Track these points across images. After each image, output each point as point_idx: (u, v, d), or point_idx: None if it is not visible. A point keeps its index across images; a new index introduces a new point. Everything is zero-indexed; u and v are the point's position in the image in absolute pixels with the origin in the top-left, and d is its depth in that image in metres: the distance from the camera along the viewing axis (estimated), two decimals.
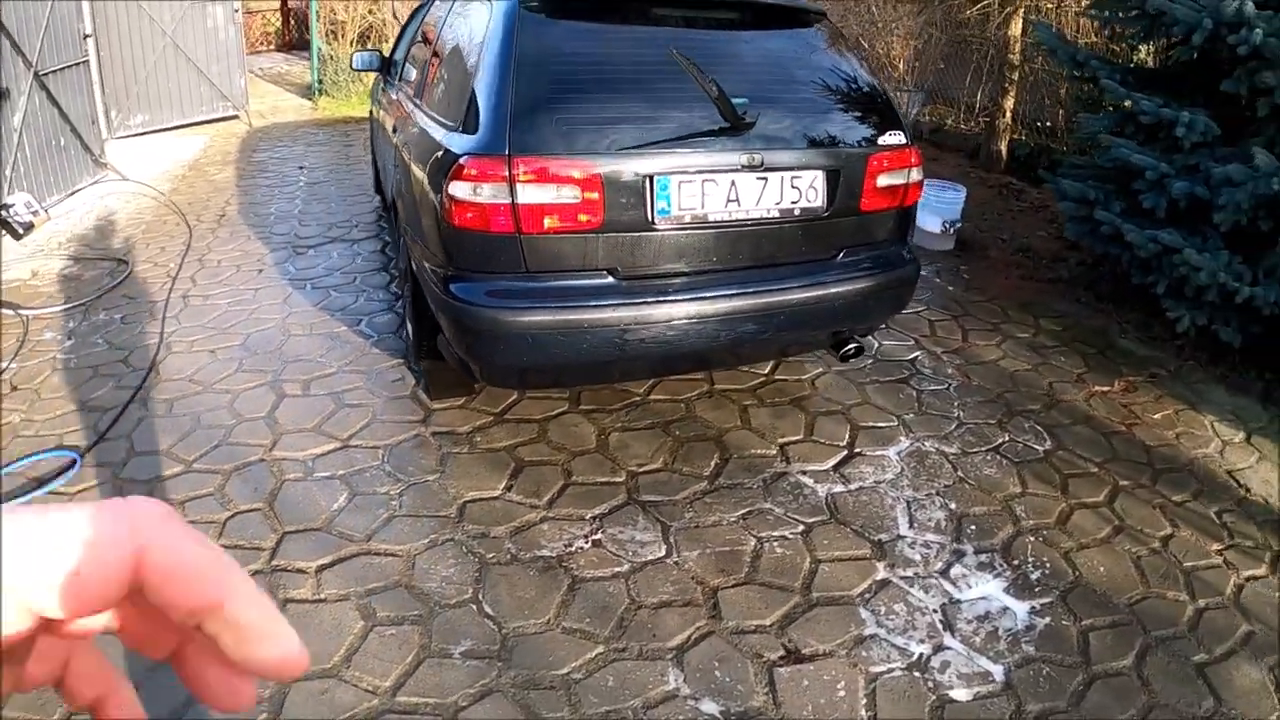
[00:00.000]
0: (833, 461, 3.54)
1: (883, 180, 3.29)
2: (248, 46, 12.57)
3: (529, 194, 2.76)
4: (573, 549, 2.89)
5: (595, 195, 2.82)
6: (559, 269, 2.91)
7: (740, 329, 3.15)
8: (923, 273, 5.47)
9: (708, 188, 2.95)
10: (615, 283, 2.94)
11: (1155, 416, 3.99)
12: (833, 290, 3.26)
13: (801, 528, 3.11)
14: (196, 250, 5.75)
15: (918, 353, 4.48)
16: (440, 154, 3.03)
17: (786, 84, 3.27)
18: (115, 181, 7.46)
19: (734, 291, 3.06)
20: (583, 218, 2.84)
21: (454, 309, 2.90)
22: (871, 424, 3.81)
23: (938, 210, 5.88)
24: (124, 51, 8.87)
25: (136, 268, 5.40)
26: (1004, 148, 7.49)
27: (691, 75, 2.86)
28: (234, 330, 4.48)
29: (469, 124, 2.91)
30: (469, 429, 3.58)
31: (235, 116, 10.13)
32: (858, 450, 3.62)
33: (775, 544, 3.01)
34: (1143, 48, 5.84)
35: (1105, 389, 4.19)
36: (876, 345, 4.53)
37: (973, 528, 3.16)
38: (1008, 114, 7.38)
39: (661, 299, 2.95)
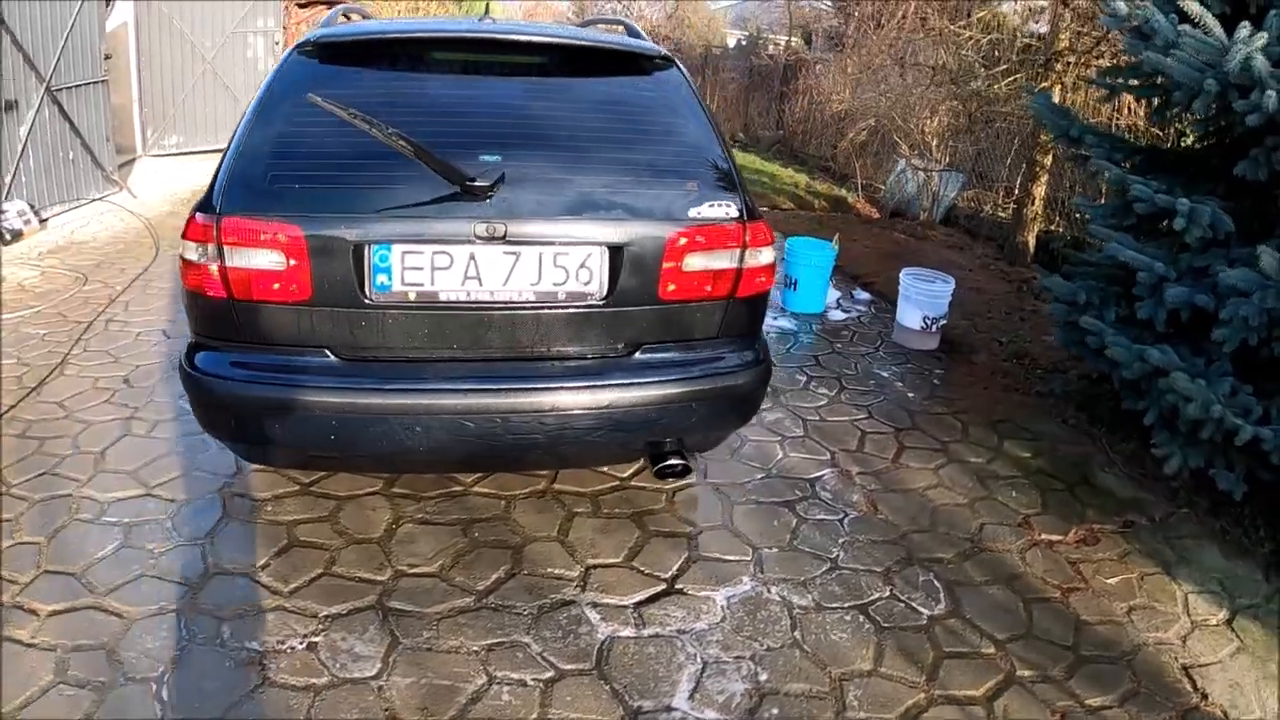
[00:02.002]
0: (639, 597, 2.78)
1: (694, 263, 2.61)
2: None
3: (235, 258, 2.43)
4: (284, 647, 2.50)
5: (298, 263, 2.42)
6: (276, 342, 2.54)
7: (492, 432, 2.55)
8: (882, 373, 4.73)
9: (439, 261, 2.46)
10: (336, 363, 2.53)
11: (1109, 581, 3.04)
12: (621, 396, 2.58)
13: (550, 674, 2.44)
14: (150, 276, 5.83)
15: (826, 471, 3.63)
16: None
17: (579, 140, 2.64)
18: (113, 198, 7.64)
19: (477, 387, 2.52)
20: (290, 288, 2.45)
21: (184, 376, 2.60)
22: (716, 555, 3.01)
23: (919, 304, 5.04)
24: (164, 74, 9.27)
25: (86, 286, 5.50)
26: (1031, 239, 6.58)
27: (364, 127, 2.29)
28: (127, 361, 4.40)
29: (214, 177, 2.59)
30: (267, 496, 3.23)
31: None
32: (679, 587, 2.83)
33: (506, 689, 2.38)
34: (1191, 131, 4.92)
35: (1055, 538, 3.26)
36: (780, 456, 3.72)
37: (773, 712, 2.32)
38: (1037, 201, 6.47)
39: (383, 388, 2.50)
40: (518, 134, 2.59)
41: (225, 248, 2.41)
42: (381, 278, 2.44)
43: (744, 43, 15.53)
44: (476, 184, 2.38)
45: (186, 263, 2.49)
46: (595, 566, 2.92)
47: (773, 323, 5.47)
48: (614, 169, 2.58)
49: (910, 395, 4.47)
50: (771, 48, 14.03)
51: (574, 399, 2.55)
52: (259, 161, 2.48)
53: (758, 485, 3.49)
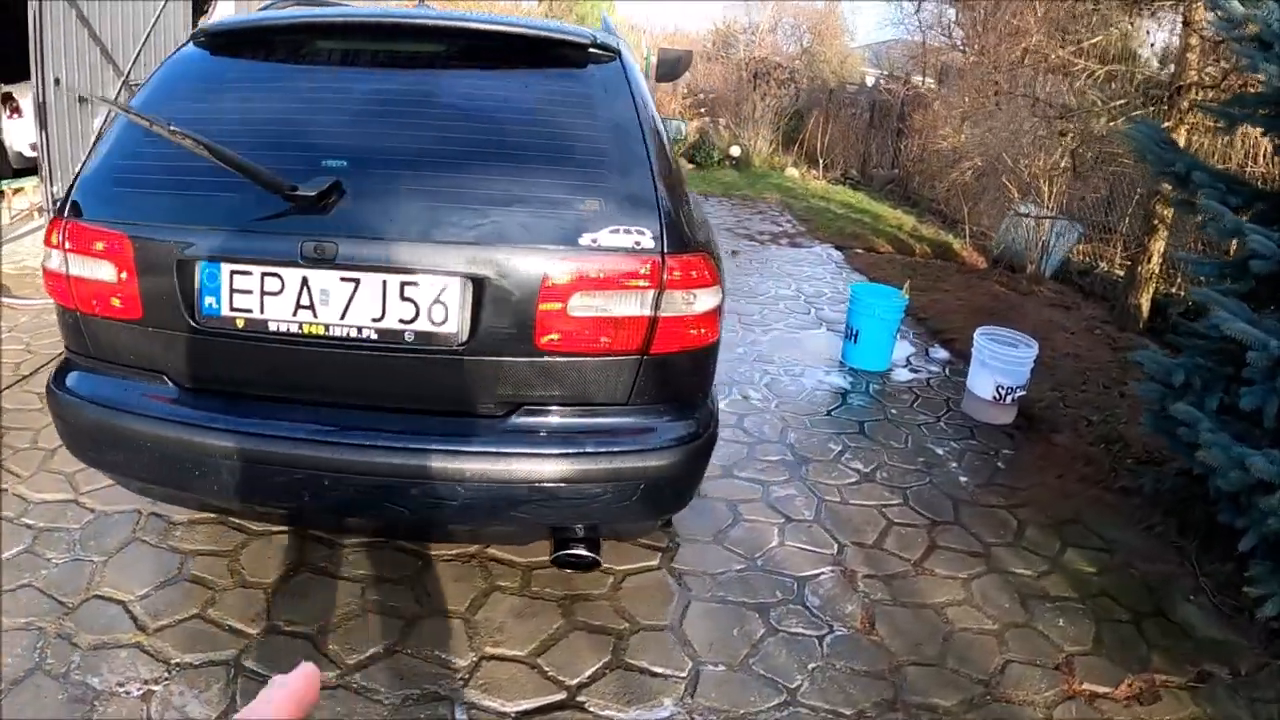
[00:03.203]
0: (525, 706, 2.29)
1: (583, 305, 2.04)
2: None
3: (76, 266, 2.16)
4: (120, 690, 2.25)
5: (129, 276, 2.11)
6: (119, 363, 2.24)
7: (332, 491, 2.10)
8: (936, 449, 4.01)
9: (269, 284, 2.04)
10: (174, 392, 2.20)
11: None
12: (489, 468, 2.06)
13: None
14: None
15: (825, 569, 2.98)
16: None
17: (454, 144, 2.12)
18: None
19: (313, 438, 2.07)
20: (116, 303, 2.15)
21: (46, 390, 2.35)
22: (643, 665, 2.45)
23: (993, 370, 4.28)
24: None
25: None
26: (1145, 301, 5.64)
27: (143, 123, 1.92)
28: None
29: None
30: (183, 519, 2.97)
31: None
32: (581, 700, 2.31)
33: None
34: None
35: (1101, 690, 2.52)
36: (773, 543, 3.09)
37: None
38: (1154, 258, 5.54)
39: (211, 425, 2.11)
40: (380, 136, 2.12)
41: (68, 255, 2.15)
42: (209, 299, 2.06)
43: (879, 81, 14.85)
44: (300, 193, 1.94)
45: (44, 269, 2.26)
46: (492, 658, 2.43)
47: (823, 378, 4.81)
48: (491, 180, 2.05)
49: (963, 480, 3.73)
50: (890, 82, 13.29)
51: (429, 464, 2.03)
52: (110, 161, 2.21)
53: (732, 579, 2.88)
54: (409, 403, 2.14)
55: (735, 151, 13.45)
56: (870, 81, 15.42)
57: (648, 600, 2.74)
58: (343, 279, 2.00)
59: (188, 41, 2.43)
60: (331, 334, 2.03)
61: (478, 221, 2.01)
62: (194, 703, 2.21)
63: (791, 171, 13.16)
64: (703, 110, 15.22)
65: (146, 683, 2.27)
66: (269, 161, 1.97)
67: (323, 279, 2.01)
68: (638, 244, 2.03)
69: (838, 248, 8.32)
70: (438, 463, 2.02)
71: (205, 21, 8.01)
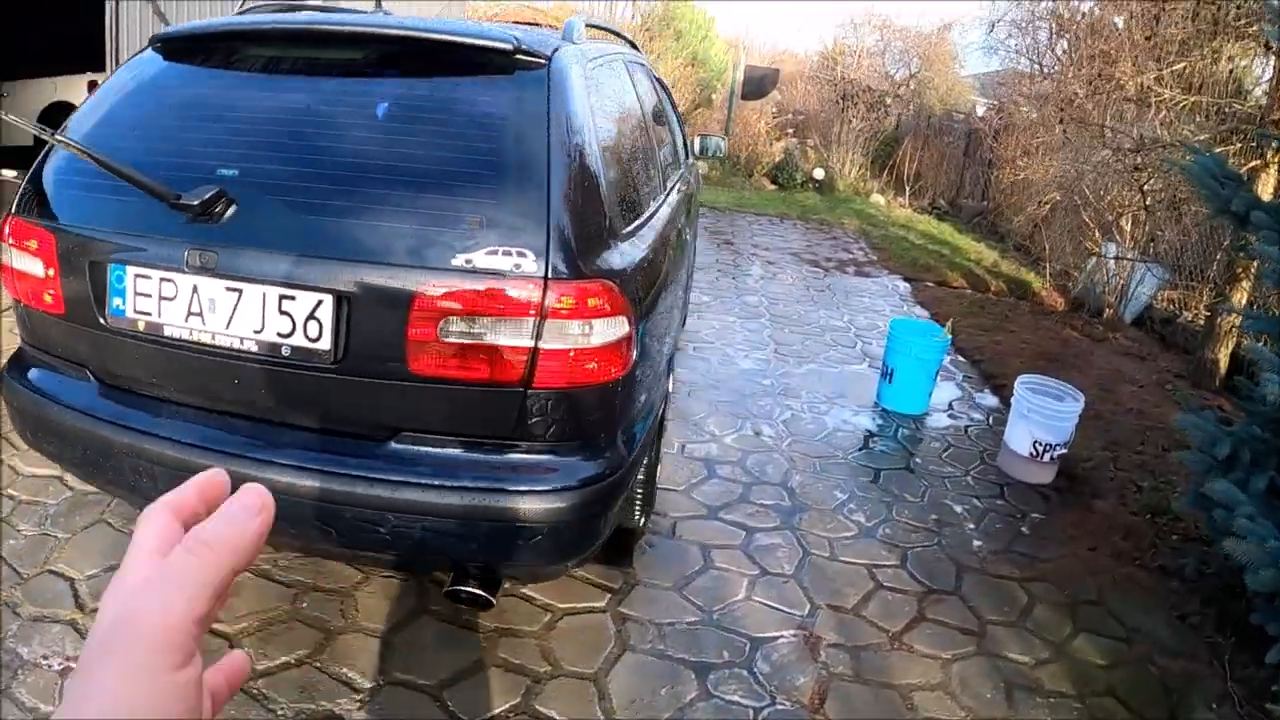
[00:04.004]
0: None
1: (456, 329, 1.89)
2: None
3: (16, 260, 2.24)
4: (42, 664, 2.29)
5: (54, 273, 2.16)
6: (53, 355, 2.31)
7: None
8: (955, 507, 3.63)
9: (166, 289, 2.05)
10: (94, 388, 2.23)
11: None
12: (364, 493, 1.93)
13: None
14: None
15: (786, 632, 2.69)
16: None
17: (343, 154, 2.05)
18: None
19: (202, 444, 2.05)
20: (47, 298, 2.20)
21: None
22: (553, 715, 2.20)
23: (1032, 424, 3.88)
24: None
25: None
26: (1224, 356, 5.07)
27: (30, 130, 1.93)
28: None
29: None
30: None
31: None
32: None
33: None
34: None
35: None
36: (738, 596, 2.81)
37: None
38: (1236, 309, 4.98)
39: (118, 422, 2.13)
40: (273, 146, 2.09)
41: (11, 249, 2.25)
42: (116, 300, 2.08)
43: (986, 110, 14.26)
44: (183, 202, 1.91)
45: None
46: (398, 683, 2.30)
47: (849, 418, 4.47)
48: (372, 194, 1.96)
49: (976, 544, 3.36)
50: (983, 110, 12.68)
51: (303, 483, 1.93)
52: (54, 162, 2.26)
53: (679, 632, 2.62)
54: (290, 418, 2.05)
55: (819, 174, 13.06)
56: (980, 111, 14.85)
57: (579, 644, 2.51)
58: (228, 289, 1.97)
59: (147, 45, 2.41)
60: (218, 343, 2.01)
61: (352, 237, 1.93)
62: None
63: (877, 198, 12.69)
64: (791, 131, 14.87)
65: (69, 659, 2.31)
66: (174, 169, 2.00)
67: (210, 287, 1.98)
68: (517, 267, 1.86)
69: (907, 279, 7.90)
70: (311, 482, 1.93)
71: None
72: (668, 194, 3.20)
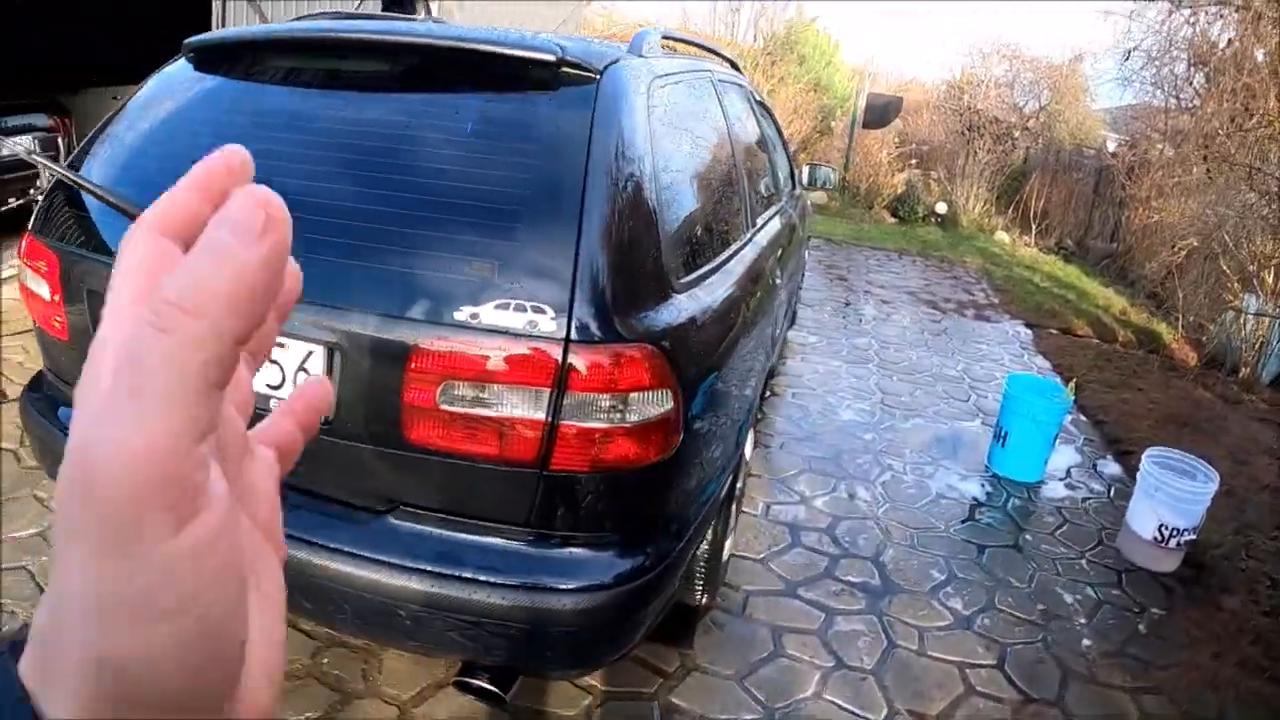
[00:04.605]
0: None
1: (463, 396, 1.67)
2: None
3: (29, 280, 2.15)
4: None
5: (58, 298, 2.08)
6: (63, 380, 2.24)
7: None
8: (1066, 596, 3.28)
9: None
10: None
11: None
12: (353, 573, 1.74)
13: None
14: None
15: None
16: None
17: (354, 181, 1.83)
18: None
19: None
20: (55, 323, 2.12)
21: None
22: None
23: (1158, 504, 3.49)
24: None
25: None
26: None
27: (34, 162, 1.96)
28: None
29: None
30: None
31: None
32: None
33: None
34: None
35: None
36: (805, 694, 2.58)
37: None
38: None
39: None
40: (274, 169, 1.85)
41: (25, 267, 2.16)
42: None
43: (1117, 146, 13.44)
44: None
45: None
46: None
47: (956, 483, 4.15)
48: (373, 230, 1.75)
49: (1086, 643, 3.02)
50: (1114, 146, 11.89)
51: (303, 557, 1.75)
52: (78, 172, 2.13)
53: None
54: (295, 478, 1.86)
55: (941, 208, 12.56)
56: (1111, 147, 14.03)
57: None
58: None
59: (179, 54, 2.29)
60: None
61: (347, 280, 1.72)
62: None
63: (1002, 235, 12.09)
64: (914, 162, 14.38)
65: None
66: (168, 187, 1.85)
67: None
68: (532, 325, 1.62)
69: (1029, 325, 7.43)
70: (308, 555, 1.75)
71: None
72: (756, 232, 2.93)
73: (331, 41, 2.09)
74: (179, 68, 2.23)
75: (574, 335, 1.62)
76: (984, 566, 3.44)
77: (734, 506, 2.96)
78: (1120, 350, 6.84)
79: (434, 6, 14.05)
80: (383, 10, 10.60)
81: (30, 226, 2.13)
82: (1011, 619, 3.10)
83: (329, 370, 1.76)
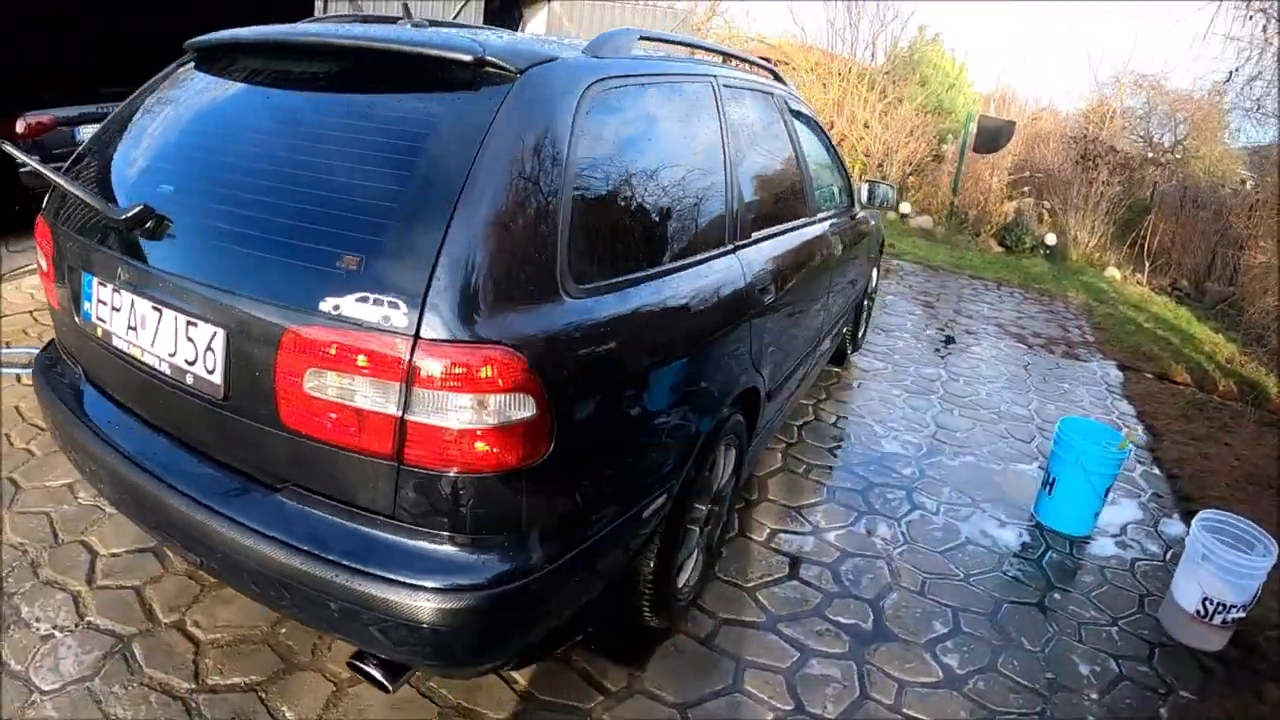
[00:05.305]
0: None
1: (319, 384, 1.68)
2: None
3: (38, 256, 2.38)
4: (31, 623, 2.53)
5: (54, 275, 2.30)
6: (65, 349, 2.44)
7: (154, 515, 2.00)
8: (1083, 668, 2.94)
9: (116, 300, 2.06)
10: (84, 384, 2.32)
11: None
12: (241, 542, 1.78)
13: None
14: None
15: None
16: None
17: (264, 174, 1.92)
18: None
19: (133, 454, 2.03)
20: (54, 295, 2.34)
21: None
22: None
23: (1205, 574, 3.12)
24: None
25: None
26: None
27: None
28: None
29: None
30: None
31: None
32: None
33: None
34: None
35: None
36: None
37: None
38: None
39: (82, 422, 2.19)
40: (206, 163, 2.04)
41: (38, 245, 2.37)
42: (87, 304, 2.15)
43: (1249, 184, 12.49)
44: (112, 218, 1.96)
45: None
46: None
47: (991, 530, 3.84)
48: (269, 220, 1.80)
49: None
50: (1251, 185, 10.97)
51: (197, 517, 1.85)
52: (76, 164, 2.35)
53: None
54: (198, 446, 1.98)
55: (1051, 240, 11.91)
56: (1250, 185, 13.06)
57: None
58: (153, 307, 1.95)
59: (186, 54, 2.43)
60: (146, 360, 1.99)
61: (242, 267, 1.79)
62: (69, 660, 2.38)
63: (1112, 272, 11.35)
64: (1027, 190, 13.70)
65: (56, 627, 2.49)
66: (141, 182, 2.07)
67: (142, 304, 1.97)
68: (385, 320, 1.59)
69: (1122, 367, 6.91)
70: (198, 516, 1.84)
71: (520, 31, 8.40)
72: (745, 246, 2.72)
73: (284, 44, 2.15)
74: (185, 64, 2.39)
75: (424, 332, 1.59)
76: (996, 623, 3.13)
77: (703, 529, 2.79)
78: (1216, 400, 6.26)
79: (555, 7, 14.23)
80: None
81: (44, 207, 2.33)
82: (1011, 685, 2.80)
83: (226, 352, 1.82)
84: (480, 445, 1.63)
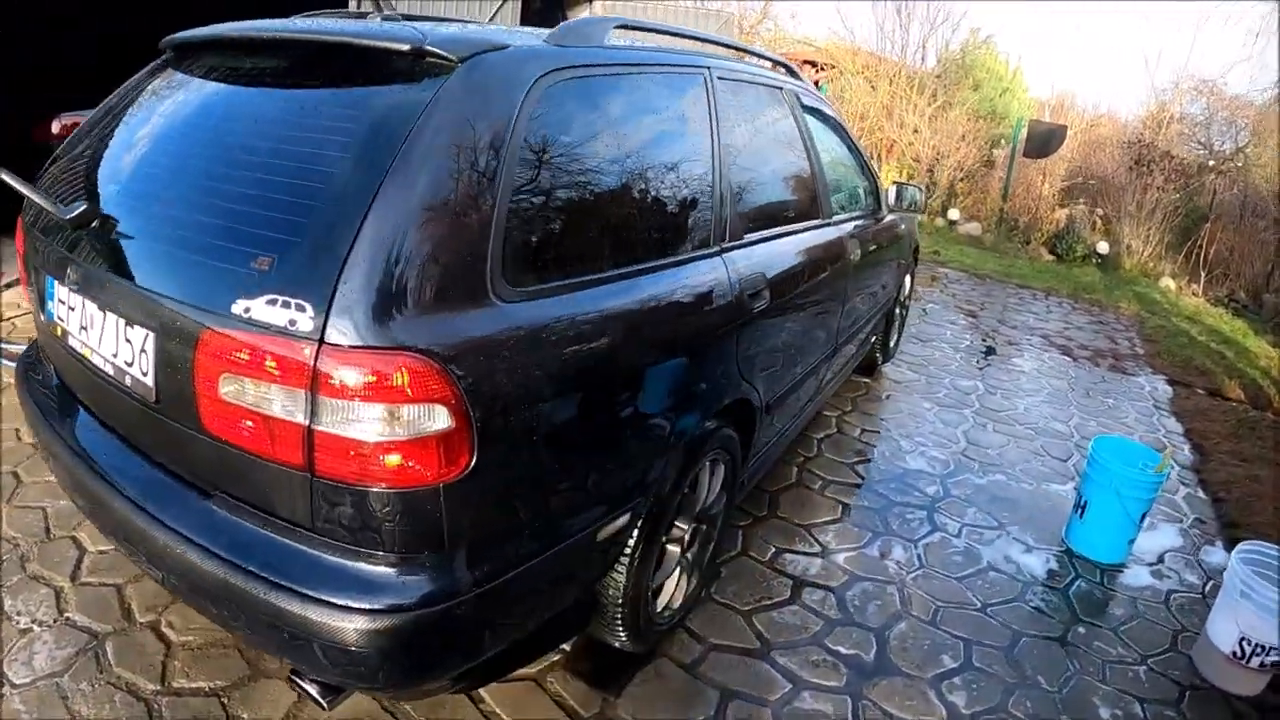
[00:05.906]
0: None
1: (230, 388, 1.58)
2: None
3: (16, 257, 2.43)
4: (12, 616, 2.53)
5: (25, 271, 2.31)
6: (42, 348, 2.44)
7: (105, 515, 1.93)
8: (1104, 711, 2.70)
9: (72, 298, 2.01)
10: (54, 381, 2.31)
11: None
12: (174, 548, 1.72)
13: None
14: None
15: None
16: None
17: (197, 173, 1.87)
18: None
19: (85, 452, 2.01)
20: (29, 292, 2.32)
21: None
22: None
23: (1246, 613, 2.87)
24: None
25: None
26: None
27: None
28: None
29: None
30: None
31: None
32: None
33: None
34: None
35: None
36: None
37: None
38: None
39: (45, 418, 2.19)
40: (146, 163, 2.00)
41: (16, 245, 2.37)
42: (50, 303, 2.12)
43: None
44: (59, 218, 1.92)
45: None
46: None
47: (1016, 555, 3.60)
48: (194, 219, 1.75)
49: None
50: None
51: (137, 521, 1.79)
52: (55, 163, 2.32)
53: None
54: (145, 449, 1.92)
55: (1103, 248, 11.48)
56: None
57: None
58: (99, 308, 1.90)
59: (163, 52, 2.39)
60: (94, 360, 1.95)
61: (166, 269, 1.74)
62: (43, 655, 2.37)
63: (1167, 282, 10.91)
64: (1082, 198, 13.25)
65: (35, 622, 2.49)
66: (91, 185, 2.06)
67: (90, 305, 1.92)
68: (292, 324, 1.48)
69: (1172, 382, 6.57)
70: (138, 520, 1.79)
71: None
72: (734, 248, 2.51)
73: (234, 41, 2.10)
74: (161, 61, 2.34)
75: (329, 337, 1.47)
76: (1012, 659, 2.91)
77: (686, 549, 2.62)
78: (1270, 418, 5.91)
79: (598, 8, 14.13)
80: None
81: (22, 210, 2.29)
82: None
83: (156, 354, 1.75)
84: (392, 458, 1.51)
